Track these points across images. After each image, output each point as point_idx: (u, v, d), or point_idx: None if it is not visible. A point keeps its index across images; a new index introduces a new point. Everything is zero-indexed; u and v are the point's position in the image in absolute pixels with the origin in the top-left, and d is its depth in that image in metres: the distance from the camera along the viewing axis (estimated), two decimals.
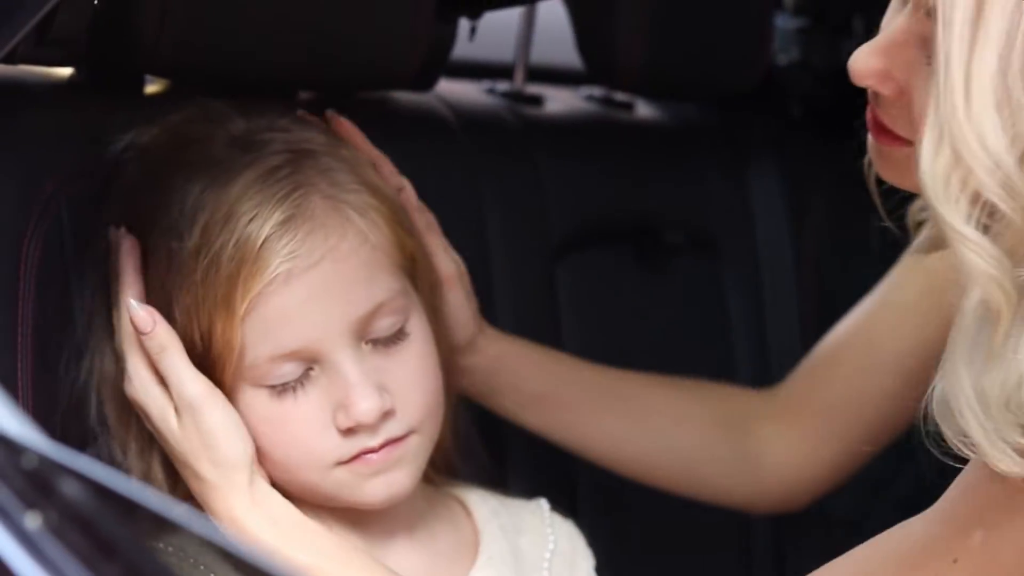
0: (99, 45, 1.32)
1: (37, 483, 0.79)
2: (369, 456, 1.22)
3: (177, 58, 1.35)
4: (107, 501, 0.77)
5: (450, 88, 1.69)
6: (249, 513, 1.20)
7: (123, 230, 1.24)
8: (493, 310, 1.58)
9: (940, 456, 1.01)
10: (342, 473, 1.23)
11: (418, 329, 1.26)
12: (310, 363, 1.21)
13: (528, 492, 1.43)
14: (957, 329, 0.98)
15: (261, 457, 1.23)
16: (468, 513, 1.37)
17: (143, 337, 1.20)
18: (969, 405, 0.97)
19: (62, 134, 1.33)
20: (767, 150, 1.90)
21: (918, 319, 1.40)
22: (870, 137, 1.06)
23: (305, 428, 1.21)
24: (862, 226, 1.94)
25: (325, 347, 1.20)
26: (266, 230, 1.19)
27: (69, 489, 0.78)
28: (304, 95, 1.49)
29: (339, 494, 1.24)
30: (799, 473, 1.50)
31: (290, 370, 1.21)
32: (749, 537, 1.77)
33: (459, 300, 1.37)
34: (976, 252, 0.93)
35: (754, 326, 1.84)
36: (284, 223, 1.19)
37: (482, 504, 1.37)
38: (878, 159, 1.07)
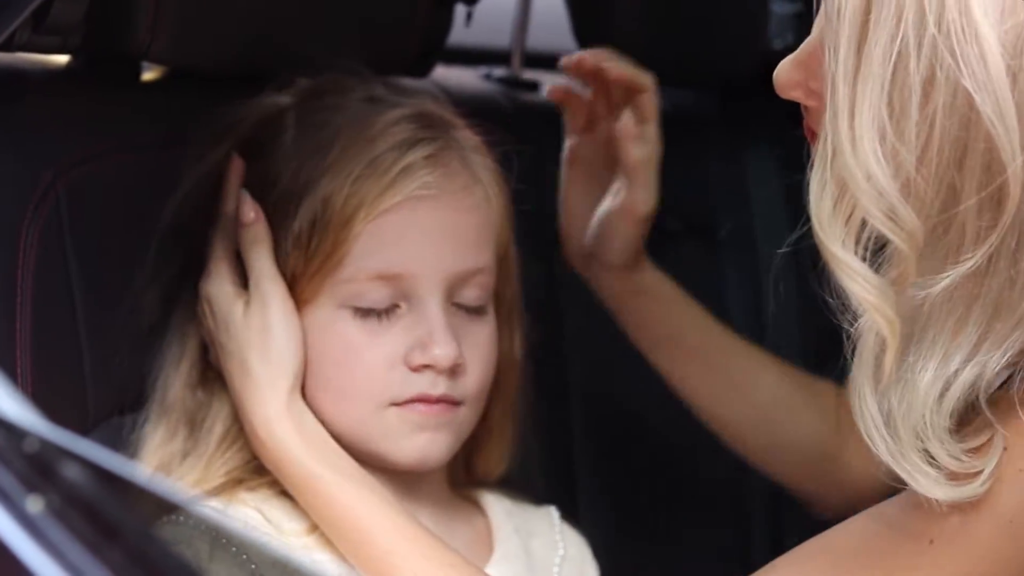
0: (96, 33, 1.32)
1: (39, 467, 0.79)
2: (423, 406, 1.25)
3: (174, 45, 1.35)
4: (109, 484, 0.78)
5: (446, 74, 1.69)
6: (282, 418, 1.23)
7: (235, 156, 1.29)
8: None
9: None
10: (392, 416, 1.25)
11: (492, 317, 1.32)
12: (401, 297, 1.25)
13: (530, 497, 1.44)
14: (859, 352, 0.99)
15: (320, 384, 1.26)
16: (482, 512, 1.38)
17: (242, 228, 1.26)
18: (876, 427, 0.98)
19: (59, 122, 1.33)
20: (764, 135, 1.90)
21: None
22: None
23: (376, 357, 1.25)
24: None
25: (423, 284, 1.25)
26: (408, 157, 1.26)
27: (71, 473, 0.78)
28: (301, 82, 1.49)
29: (381, 441, 1.26)
30: (872, 475, 1.50)
31: (382, 296, 1.25)
32: (749, 544, 1.78)
33: (628, 232, 1.48)
34: (857, 282, 0.94)
35: (752, 313, 1.84)
36: (425, 159, 1.26)
37: (496, 504, 1.39)
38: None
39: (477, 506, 1.38)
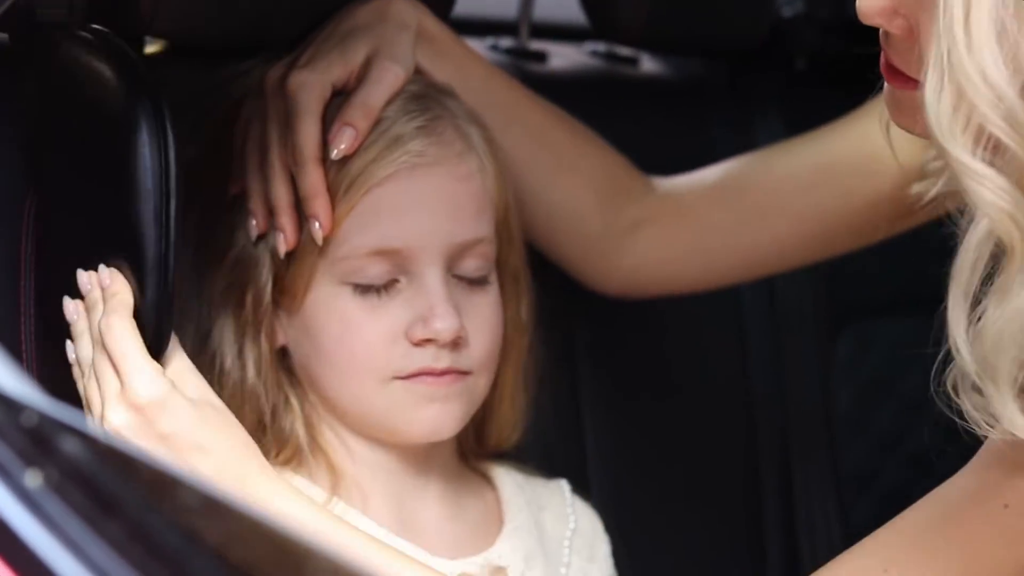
0: (98, 6, 1.31)
1: (37, 441, 0.79)
2: (429, 378, 1.25)
3: (176, 20, 1.34)
4: (108, 459, 0.77)
5: None
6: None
7: None
8: None
9: (950, 415, 0.99)
10: (398, 389, 1.25)
11: (495, 287, 1.31)
12: (400, 272, 1.25)
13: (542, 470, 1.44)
14: (960, 263, 0.95)
15: (324, 361, 1.26)
16: (493, 485, 1.38)
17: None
18: (963, 342, 0.95)
19: None
20: (773, 103, 1.89)
21: (833, 188, 1.41)
22: (885, 84, 1.04)
23: (377, 333, 1.24)
24: None
25: (421, 257, 1.24)
26: (399, 129, 1.25)
27: (69, 447, 0.78)
28: None
29: (388, 414, 1.26)
30: (655, 270, 1.50)
31: (380, 272, 1.24)
32: (760, 509, 1.77)
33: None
34: (987, 186, 0.91)
35: (763, 281, 1.83)
36: (417, 129, 1.25)
37: (507, 478, 1.39)
38: (892, 104, 1.05)
39: (487, 480, 1.38)
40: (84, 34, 1.23)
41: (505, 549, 1.31)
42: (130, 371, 1.12)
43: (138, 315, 1.15)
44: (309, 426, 1.29)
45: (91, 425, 0.77)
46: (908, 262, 1.88)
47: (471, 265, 1.28)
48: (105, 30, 1.24)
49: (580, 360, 1.66)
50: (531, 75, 1.74)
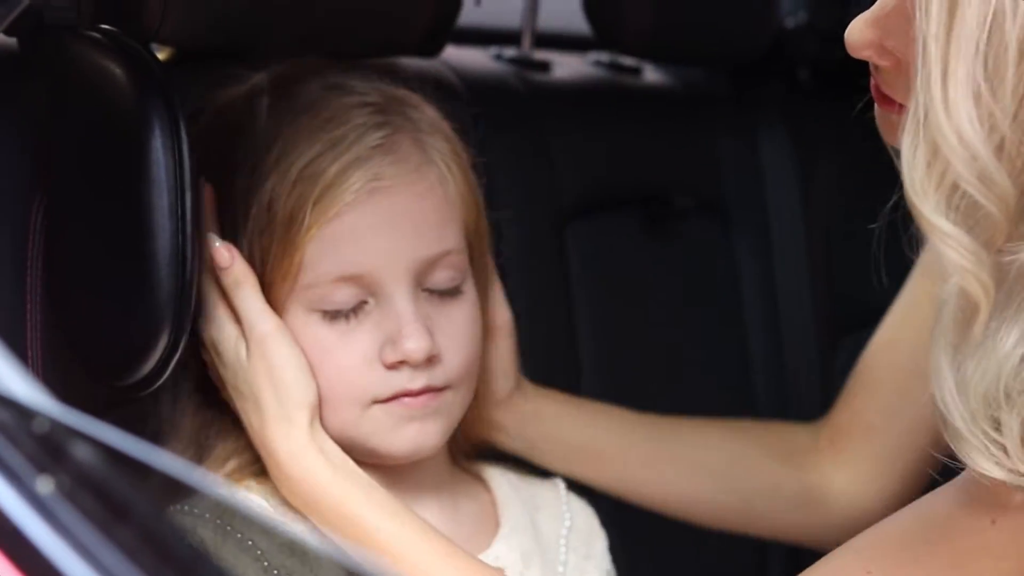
0: (106, 12, 1.32)
1: (49, 447, 0.79)
2: (407, 399, 1.23)
3: (183, 25, 1.34)
4: (120, 465, 0.77)
5: (457, 54, 1.69)
6: (307, 450, 1.21)
7: (201, 179, 1.24)
8: (502, 277, 1.58)
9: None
10: (378, 413, 1.24)
11: (471, 294, 1.28)
12: (368, 294, 1.23)
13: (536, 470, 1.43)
14: (939, 320, 0.97)
15: None
16: (487, 487, 1.37)
17: (220, 272, 1.22)
18: (951, 394, 0.96)
19: None
20: (775, 113, 1.90)
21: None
22: (876, 105, 1.05)
23: (351, 358, 1.23)
24: (871, 188, 1.95)
25: (386, 279, 1.22)
26: (354, 152, 1.22)
27: (81, 453, 0.78)
28: None
29: (371, 437, 1.25)
30: (865, 498, 1.47)
31: (347, 297, 1.22)
32: None
33: (506, 350, 1.37)
34: (951, 246, 0.92)
35: (765, 289, 1.84)
36: (373, 148, 1.22)
37: (501, 479, 1.38)
38: (882, 124, 1.05)
39: (481, 481, 1.38)
40: (93, 34, 1.23)
41: (502, 550, 1.31)
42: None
43: (157, 311, 1.16)
44: None
45: (102, 431, 0.77)
46: (911, 269, 1.89)
47: (441, 277, 1.25)
48: (114, 30, 1.24)
49: (585, 379, 1.66)
50: (535, 84, 1.75)
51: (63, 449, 0.79)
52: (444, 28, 1.56)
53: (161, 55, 1.43)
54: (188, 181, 1.15)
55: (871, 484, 1.47)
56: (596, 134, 1.74)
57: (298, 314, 1.23)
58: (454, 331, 1.26)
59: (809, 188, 1.90)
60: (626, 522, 1.49)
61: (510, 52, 1.81)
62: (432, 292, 1.25)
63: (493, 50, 1.82)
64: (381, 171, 1.22)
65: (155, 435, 1.25)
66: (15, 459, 0.79)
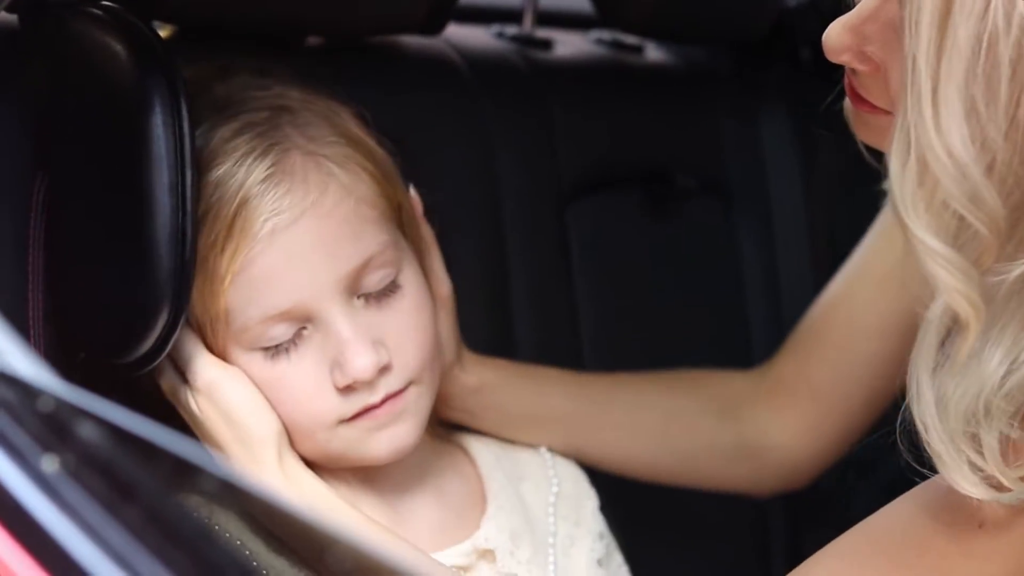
0: None
1: (54, 426, 0.79)
2: (373, 411, 1.22)
3: (185, 4, 1.34)
4: (125, 443, 0.77)
5: (459, 32, 1.68)
6: (281, 487, 1.20)
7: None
8: (503, 256, 1.58)
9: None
10: (347, 431, 1.22)
11: (411, 280, 1.25)
12: (302, 322, 1.20)
13: None
14: (921, 338, 0.96)
15: None
16: (471, 461, 1.37)
17: None
18: (930, 414, 0.96)
19: None
20: (777, 93, 1.89)
21: (896, 287, 1.39)
22: (847, 100, 1.03)
23: (303, 389, 1.21)
24: (872, 167, 1.94)
25: (316, 305, 1.19)
26: (245, 190, 1.18)
27: (86, 432, 0.78)
28: (312, 40, 1.48)
29: (347, 452, 1.24)
30: (799, 452, 1.49)
31: (282, 331, 1.20)
32: (765, 516, 1.78)
33: (447, 322, 1.35)
34: (942, 265, 0.91)
35: (766, 268, 1.84)
36: (264, 181, 1.18)
37: (485, 451, 1.37)
38: (856, 121, 1.03)
39: (464, 454, 1.37)
40: (94, 11, 1.22)
41: (491, 531, 1.31)
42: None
43: (156, 288, 1.15)
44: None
45: (107, 409, 0.77)
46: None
47: (373, 280, 1.22)
48: (115, 6, 1.23)
49: (586, 359, 1.66)
50: (537, 63, 1.75)
51: (68, 428, 0.79)
52: (446, 7, 1.56)
53: (162, 32, 1.43)
54: (189, 158, 1.15)
55: (805, 437, 1.48)
56: (598, 112, 1.73)
57: (240, 355, 1.21)
58: (401, 328, 1.23)
59: (810, 165, 1.90)
60: (620, 491, 1.48)
61: (512, 30, 1.80)
62: (369, 296, 1.22)
63: (495, 28, 1.81)
64: (277, 206, 1.18)
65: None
66: (20, 438, 0.79)
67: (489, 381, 1.40)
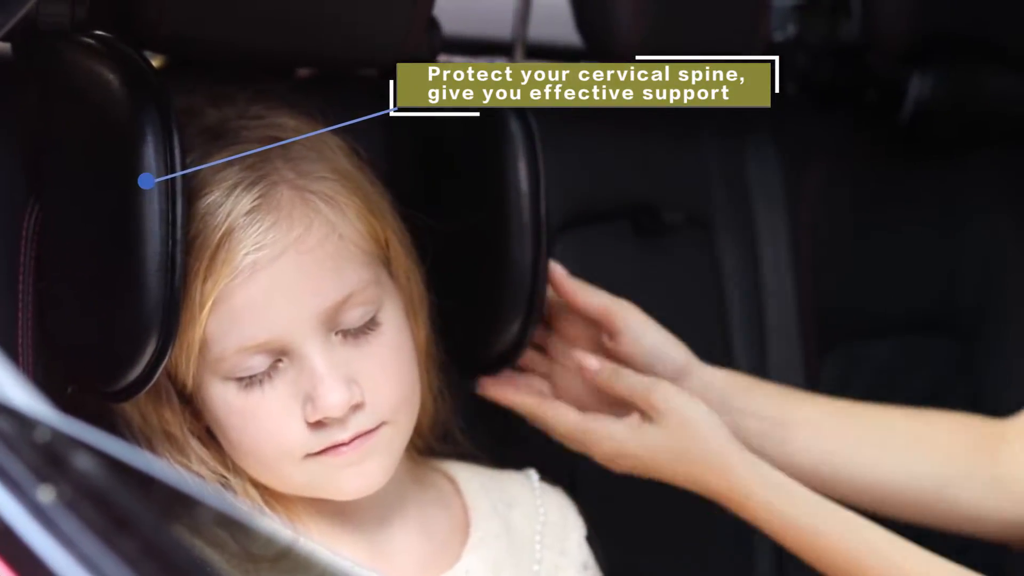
0: (100, 18, 1.31)
1: (50, 456, 0.79)
2: (340, 448, 1.21)
3: (176, 34, 1.34)
4: (121, 475, 0.77)
5: None
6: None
7: None
8: None
9: None
10: (314, 465, 1.22)
11: (391, 319, 1.25)
12: (278, 355, 1.20)
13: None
14: None
15: (239, 453, 1.23)
16: (457, 490, 1.36)
17: None
18: None
19: None
20: (763, 127, 1.90)
21: None
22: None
23: (274, 420, 1.20)
24: (857, 201, 1.96)
25: (293, 339, 1.19)
26: (230, 221, 1.18)
27: (82, 463, 0.78)
28: (303, 72, 1.49)
29: (312, 485, 1.24)
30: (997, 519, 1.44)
31: (258, 362, 1.20)
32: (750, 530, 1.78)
33: (657, 336, 1.39)
34: None
35: (752, 301, 1.84)
36: (249, 214, 1.19)
37: (472, 479, 1.37)
38: None
39: (450, 482, 1.36)
40: (87, 40, 1.23)
41: (472, 562, 1.31)
42: None
43: (145, 316, 1.15)
44: (258, 487, 1.26)
45: (103, 440, 0.77)
46: (896, 283, 1.89)
47: (352, 316, 1.22)
48: (109, 35, 1.24)
49: None
50: None
51: (64, 459, 0.79)
52: (435, 41, 1.56)
53: (154, 62, 1.43)
54: (180, 187, 1.15)
55: None
56: (586, 146, 1.74)
57: (214, 383, 1.21)
58: (378, 367, 1.23)
59: (796, 199, 1.91)
60: (613, 520, 1.48)
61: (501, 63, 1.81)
62: (347, 332, 1.22)
63: (484, 61, 1.82)
64: (261, 239, 1.18)
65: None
66: (16, 468, 0.79)
67: (734, 383, 1.43)
